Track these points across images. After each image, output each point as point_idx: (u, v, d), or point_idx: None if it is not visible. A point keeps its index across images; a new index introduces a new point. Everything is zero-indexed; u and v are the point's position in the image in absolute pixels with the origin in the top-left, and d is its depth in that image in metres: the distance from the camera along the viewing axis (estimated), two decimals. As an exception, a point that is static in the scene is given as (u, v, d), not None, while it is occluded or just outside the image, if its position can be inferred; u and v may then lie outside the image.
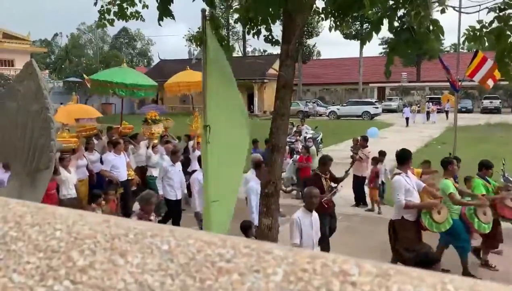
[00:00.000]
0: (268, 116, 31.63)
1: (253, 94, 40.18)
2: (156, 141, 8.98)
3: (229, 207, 3.09)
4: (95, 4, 3.83)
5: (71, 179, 6.56)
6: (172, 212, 6.70)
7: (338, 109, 36.14)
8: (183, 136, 10.42)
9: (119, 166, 7.51)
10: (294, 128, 18.23)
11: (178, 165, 7.01)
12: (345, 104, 36.38)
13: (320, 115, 38.60)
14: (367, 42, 3.13)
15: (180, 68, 12.26)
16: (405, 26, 2.96)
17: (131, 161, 8.69)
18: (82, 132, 9.14)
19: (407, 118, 27.25)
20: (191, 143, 9.14)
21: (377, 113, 34.87)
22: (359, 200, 9.21)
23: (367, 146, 9.97)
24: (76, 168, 7.27)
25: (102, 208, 5.74)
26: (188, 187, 7.13)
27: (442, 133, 23.95)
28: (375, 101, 36.53)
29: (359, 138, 10.56)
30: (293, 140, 15.41)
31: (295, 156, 12.32)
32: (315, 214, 3.96)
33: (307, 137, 14.23)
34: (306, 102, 39.24)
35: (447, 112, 30.96)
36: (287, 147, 13.92)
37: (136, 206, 5.84)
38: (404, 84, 47.69)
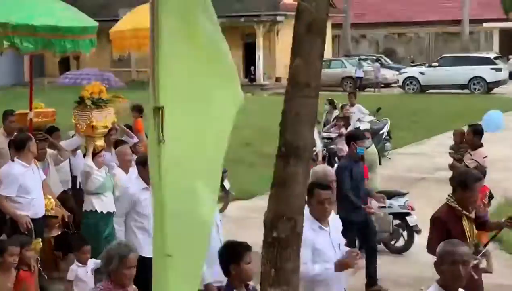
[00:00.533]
0: (283, 89, 31.79)
1: (255, 46, 40.57)
2: (100, 142, 9.17)
3: (196, 264, 3.17)
4: None
5: None
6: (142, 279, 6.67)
7: (421, 73, 36.30)
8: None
9: (31, 188, 7.78)
10: (335, 113, 18.39)
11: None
12: (436, 64, 36.53)
13: (387, 85, 38.84)
14: None
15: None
16: None
17: (52, 178, 8.98)
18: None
19: None
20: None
21: (500, 81, 34.98)
22: None
23: (481, 145, 10.03)
24: None
25: None
26: None
27: None
28: (496, 58, 36.66)
29: (465, 131, 10.72)
30: (334, 135, 15.57)
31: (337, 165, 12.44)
32: None
33: (360, 130, 14.33)
34: (359, 60, 39.46)
35: None
36: (320, 149, 14.07)
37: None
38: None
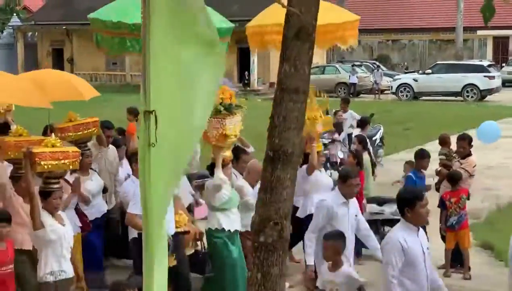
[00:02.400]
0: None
1: (249, 51, 40.54)
2: (228, 153, 8.47)
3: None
4: None
5: (67, 235, 6.64)
6: None
7: (415, 80, 36.36)
8: None
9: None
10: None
11: None
12: (430, 71, 36.61)
13: (381, 91, 38.91)
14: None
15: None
16: None
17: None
18: (68, 132, 8.64)
19: None
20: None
21: (493, 89, 35.07)
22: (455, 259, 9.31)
23: (470, 153, 10.04)
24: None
25: None
26: None
27: None
28: (489, 65, 36.77)
29: (456, 138, 10.74)
30: (327, 141, 15.56)
31: (329, 170, 12.37)
32: None
33: (353, 136, 14.33)
34: (353, 66, 39.51)
35: None
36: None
37: None
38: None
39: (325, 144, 15.31)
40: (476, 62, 38.60)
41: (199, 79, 3.29)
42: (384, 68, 43.21)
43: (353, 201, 7.18)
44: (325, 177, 9.21)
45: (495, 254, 9.74)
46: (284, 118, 3.37)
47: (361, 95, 37.76)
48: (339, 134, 15.49)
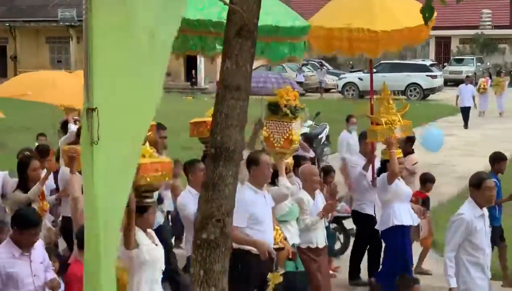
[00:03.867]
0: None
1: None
2: (290, 159, 7.80)
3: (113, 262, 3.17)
4: None
5: (161, 255, 6.01)
6: None
7: (360, 79, 36.80)
8: None
9: (263, 217, 6.70)
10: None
11: None
12: (374, 70, 36.93)
13: (327, 90, 39.25)
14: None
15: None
16: None
17: None
18: None
19: (464, 110, 25.09)
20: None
21: (435, 88, 35.76)
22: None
23: (412, 152, 10.20)
24: None
25: None
26: None
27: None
28: (432, 65, 37.46)
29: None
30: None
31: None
32: None
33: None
34: (301, 65, 39.75)
35: None
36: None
37: None
38: (487, 31, 49.06)
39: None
40: (419, 61, 39.34)
41: (143, 73, 3.27)
42: (330, 67, 43.59)
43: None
44: (404, 185, 8.38)
45: (438, 250, 9.80)
46: (226, 116, 3.38)
47: (308, 94, 37.98)
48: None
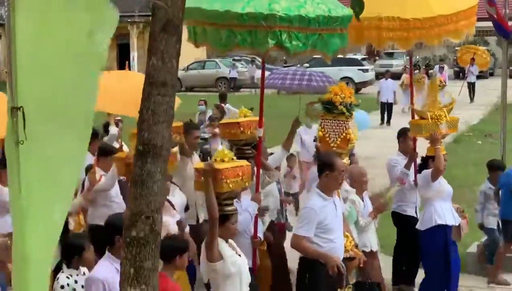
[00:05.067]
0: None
1: (129, 46, 40.03)
2: (345, 160, 7.20)
3: (49, 264, 3.13)
4: None
5: (245, 267, 5.67)
6: None
7: (294, 74, 37.05)
8: None
9: (333, 225, 6.32)
10: (209, 113, 18.43)
11: None
12: (307, 65, 37.43)
13: (261, 86, 39.37)
14: None
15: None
16: None
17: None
18: None
19: (386, 106, 25.69)
20: None
21: (367, 82, 36.37)
22: None
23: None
24: None
25: None
26: None
27: (485, 117, 25.66)
28: (363, 59, 38.06)
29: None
30: (208, 135, 15.59)
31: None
32: None
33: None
34: (233, 60, 39.82)
35: (471, 85, 30.64)
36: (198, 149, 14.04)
37: None
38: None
39: (205, 139, 15.39)
40: (351, 56, 39.85)
41: (75, 70, 3.22)
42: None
43: None
44: (446, 183, 8.08)
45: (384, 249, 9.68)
46: (153, 112, 3.36)
47: (242, 89, 38.09)
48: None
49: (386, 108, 25.17)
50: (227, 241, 5.45)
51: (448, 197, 7.95)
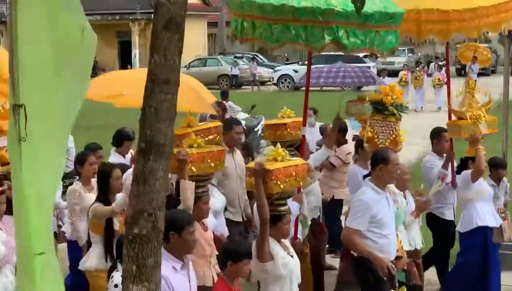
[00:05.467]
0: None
1: (131, 43, 40.02)
2: None
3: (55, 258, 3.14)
4: None
5: (297, 268, 5.52)
6: None
7: (295, 71, 37.10)
8: None
9: (387, 221, 6.18)
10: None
11: None
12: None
13: (262, 83, 39.42)
14: None
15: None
16: None
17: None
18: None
19: None
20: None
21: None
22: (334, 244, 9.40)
23: (345, 142, 10.28)
24: None
25: None
26: None
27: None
28: (365, 56, 38.02)
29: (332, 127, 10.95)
30: (208, 132, 15.65)
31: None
32: None
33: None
34: (235, 58, 39.84)
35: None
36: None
37: None
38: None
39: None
40: (352, 53, 39.82)
41: (71, 69, 3.24)
42: (265, 60, 43.77)
43: None
44: (486, 184, 7.90)
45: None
46: (155, 110, 3.37)
47: (243, 87, 38.09)
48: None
49: None
50: (279, 242, 5.35)
51: (489, 198, 7.79)
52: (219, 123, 7.34)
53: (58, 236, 7.54)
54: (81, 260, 6.48)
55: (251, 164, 5.70)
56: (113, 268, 5.38)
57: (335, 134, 7.92)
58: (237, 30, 6.77)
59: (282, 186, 5.36)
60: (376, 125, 6.93)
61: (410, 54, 45.27)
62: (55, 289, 3.03)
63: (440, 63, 33.86)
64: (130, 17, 38.57)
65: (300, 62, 39.61)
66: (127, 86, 7.40)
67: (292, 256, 5.40)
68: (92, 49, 3.33)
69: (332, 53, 39.41)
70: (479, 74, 31.32)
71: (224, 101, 17.15)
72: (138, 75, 8.42)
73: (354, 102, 8.04)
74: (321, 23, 6.17)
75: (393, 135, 6.88)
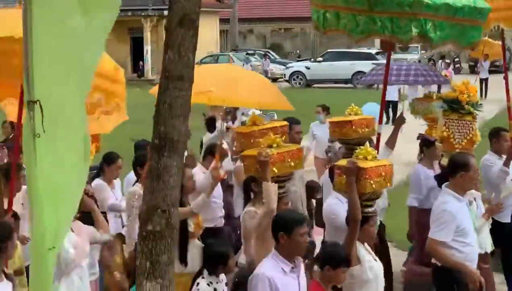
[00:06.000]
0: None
1: (143, 40, 40.03)
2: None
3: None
4: None
5: (381, 272, 5.33)
6: None
7: (307, 68, 37.01)
8: None
9: (469, 229, 5.97)
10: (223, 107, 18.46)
11: None
12: (321, 59, 37.40)
13: (274, 80, 39.32)
14: None
15: None
16: None
17: None
18: (255, 138, 6.63)
19: (390, 105, 23.51)
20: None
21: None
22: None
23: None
24: None
25: None
26: None
27: (500, 112, 25.44)
28: (377, 53, 37.85)
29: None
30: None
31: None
32: None
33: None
34: (247, 54, 39.77)
35: (484, 81, 29.53)
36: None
37: None
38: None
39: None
40: (364, 50, 39.67)
41: (81, 62, 3.23)
42: (277, 57, 43.70)
43: None
44: None
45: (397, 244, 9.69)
46: (169, 106, 3.38)
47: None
48: (233, 122, 15.57)
49: (391, 107, 24.68)
50: (363, 244, 5.13)
51: None
52: (284, 122, 7.01)
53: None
54: None
55: (343, 162, 5.44)
56: (199, 273, 5.21)
57: (397, 134, 7.56)
58: (318, 22, 6.64)
59: (374, 186, 5.13)
60: (452, 124, 6.68)
61: (423, 51, 45.00)
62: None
63: (447, 61, 33.65)
64: (142, 14, 38.59)
65: (312, 59, 39.51)
66: (212, 83, 7.05)
67: (376, 260, 5.19)
68: (101, 41, 3.31)
69: (343, 50, 39.41)
70: (492, 72, 31.08)
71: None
72: (221, 71, 8.22)
73: (420, 101, 7.79)
74: (408, 14, 6.06)
75: (470, 135, 6.66)
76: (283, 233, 4.52)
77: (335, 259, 4.76)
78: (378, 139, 6.99)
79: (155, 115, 3.43)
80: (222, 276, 5.19)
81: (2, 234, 4.69)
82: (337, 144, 7.66)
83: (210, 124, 9.98)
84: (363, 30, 6.27)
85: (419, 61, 29.55)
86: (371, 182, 5.07)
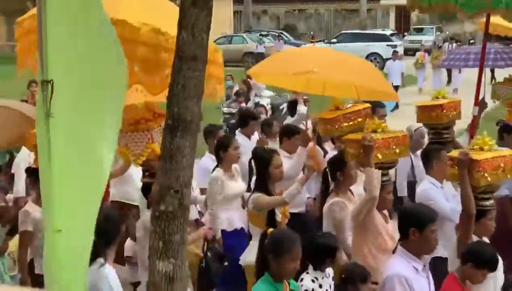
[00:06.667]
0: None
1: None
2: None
3: (86, 239, 3.14)
4: None
5: None
6: None
7: (321, 49, 36.89)
8: None
9: None
10: (235, 87, 18.48)
11: None
12: (335, 40, 37.21)
13: (288, 61, 39.24)
14: None
15: None
16: None
17: None
18: (340, 124, 6.47)
19: None
20: None
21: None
22: None
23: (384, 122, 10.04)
24: None
25: None
26: None
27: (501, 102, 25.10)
28: (391, 35, 37.70)
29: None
30: (234, 110, 15.63)
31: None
32: None
33: (259, 105, 14.46)
34: (261, 35, 39.65)
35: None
36: (223, 124, 13.98)
37: None
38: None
39: (232, 114, 15.42)
40: (379, 31, 39.55)
41: (103, 40, 3.23)
42: (291, 38, 43.59)
43: None
44: None
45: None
46: (183, 87, 3.37)
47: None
48: (246, 103, 15.61)
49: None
50: (481, 239, 4.92)
51: None
52: (367, 105, 6.66)
53: (199, 224, 6.96)
54: (242, 254, 6.04)
55: (455, 153, 5.18)
56: (303, 269, 4.83)
57: (479, 119, 7.24)
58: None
59: (489, 179, 4.86)
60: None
61: (438, 33, 44.76)
62: (77, 269, 3.07)
63: (456, 43, 33.14)
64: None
65: (325, 40, 39.36)
66: (314, 64, 6.59)
67: None
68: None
69: (358, 31, 39.24)
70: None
71: (249, 79, 17.14)
72: (321, 53, 7.89)
73: (502, 85, 7.54)
74: None
75: None
76: (415, 229, 4.37)
77: (481, 260, 4.56)
78: (473, 121, 6.82)
79: (168, 96, 3.44)
80: (329, 270, 4.91)
81: (113, 227, 4.56)
82: (424, 129, 7.40)
83: (292, 108, 9.83)
84: (477, 5, 6.10)
85: (395, 51, 28.73)
86: (486, 174, 4.81)
